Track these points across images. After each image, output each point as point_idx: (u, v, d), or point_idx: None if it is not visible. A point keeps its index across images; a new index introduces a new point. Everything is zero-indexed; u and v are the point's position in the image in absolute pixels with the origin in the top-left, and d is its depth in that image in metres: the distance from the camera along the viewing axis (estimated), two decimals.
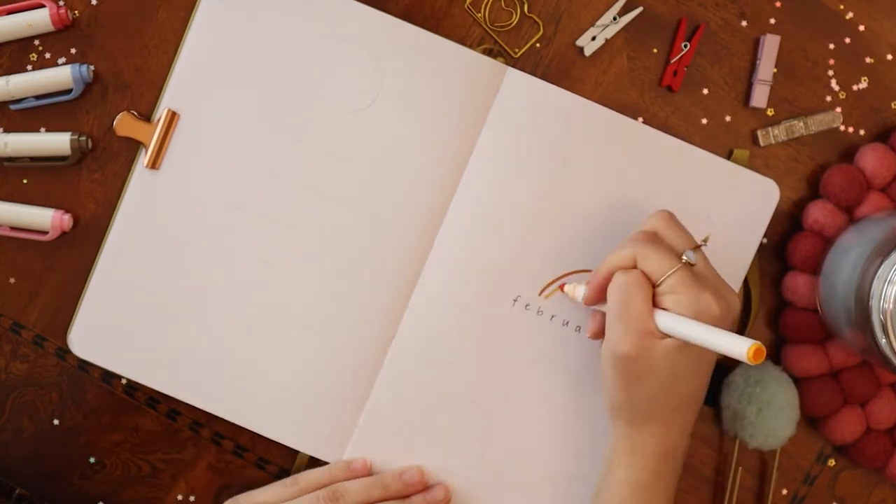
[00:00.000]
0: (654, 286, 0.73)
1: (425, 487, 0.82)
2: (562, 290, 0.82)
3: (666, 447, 0.76)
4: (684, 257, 0.73)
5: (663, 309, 0.72)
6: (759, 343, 0.65)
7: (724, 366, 0.85)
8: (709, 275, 0.74)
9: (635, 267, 0.73)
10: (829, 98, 0.86)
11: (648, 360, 0.72)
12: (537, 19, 0.85)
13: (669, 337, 0.72)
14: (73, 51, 0.84)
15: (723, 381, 0.84)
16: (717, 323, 0.71)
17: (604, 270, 0.75)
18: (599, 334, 0.77)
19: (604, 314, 0.75)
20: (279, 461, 0.85)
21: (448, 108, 0.82)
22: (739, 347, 0.66)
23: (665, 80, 0.85)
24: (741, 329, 0.85)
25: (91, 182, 0.84)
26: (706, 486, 0.86)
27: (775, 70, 0.85)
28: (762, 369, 0.83)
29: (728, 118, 0.85)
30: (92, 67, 0.84)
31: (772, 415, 0.82)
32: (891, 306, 0.74)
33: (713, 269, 0.75)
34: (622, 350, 0.72)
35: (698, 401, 0.77)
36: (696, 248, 0.74)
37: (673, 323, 0.71)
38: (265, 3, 0.82)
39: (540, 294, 0.83)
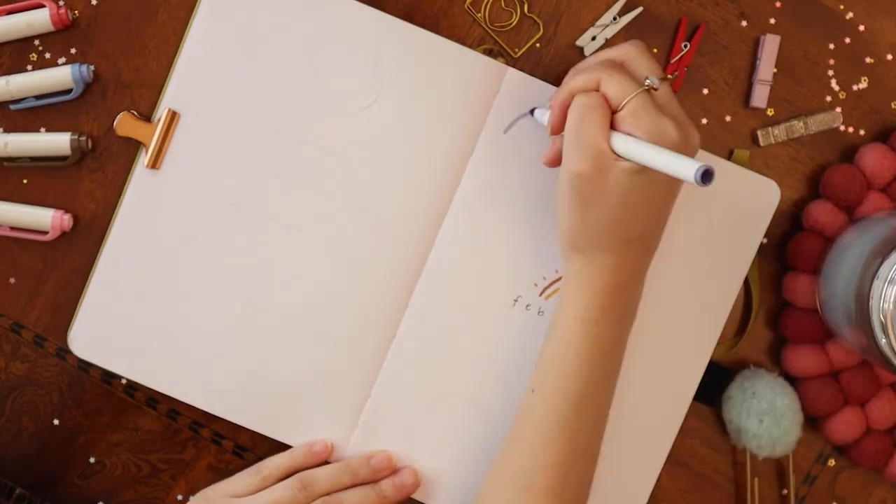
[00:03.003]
0: (614, 111, 0.72)
1: (394, 472, 0.82)
2: (531, 114, 0.80)
3: (617, 281, 0.75)
4: (647, 81, 0.72)
5: (622, 132, 0.71)
6: (707, 165, 0.63)
7: (722, 372, 0.85)
8: (672, 105, 0.73)
9: (597, 90, 0.73)
10: (829, 98, 0.86)
11: (602, 182, 0.71)
12: (537, 19, 0.85)
13: (626, 161, 0.71)
14: (73, 51, 0.84)
15: (721, 396, 0.84)
16: (676, 150, 0.69)
17: (565, 92, 0.74)
18: (555, 161, 0.76)
19: (563, 140, 0.74)
20: None
21: (448, 108, 0.82)
22: (688, 168, 0.64)
23: None
24: (742, 329, 0.85)
25: (91, 182, 0.84)
26: (725, 498, 0.86)
27: (775, 70, 0.85)
28: (755, 379, 0.83)
29: (728, 118, 0.85)
30: (92, 67, 0.84)
31: (774, 423, 0.81)
32: (891, 306, 0.74)
33: (677, 103, 0.74)
34: (576, 168, 0.71)
35: (653, 239, 0.76)
36: (664, 79, 0.73)
37: (628, 144, 0.70)
38: (265, 3, 0.82)
39: (541, 295, 0.83)
